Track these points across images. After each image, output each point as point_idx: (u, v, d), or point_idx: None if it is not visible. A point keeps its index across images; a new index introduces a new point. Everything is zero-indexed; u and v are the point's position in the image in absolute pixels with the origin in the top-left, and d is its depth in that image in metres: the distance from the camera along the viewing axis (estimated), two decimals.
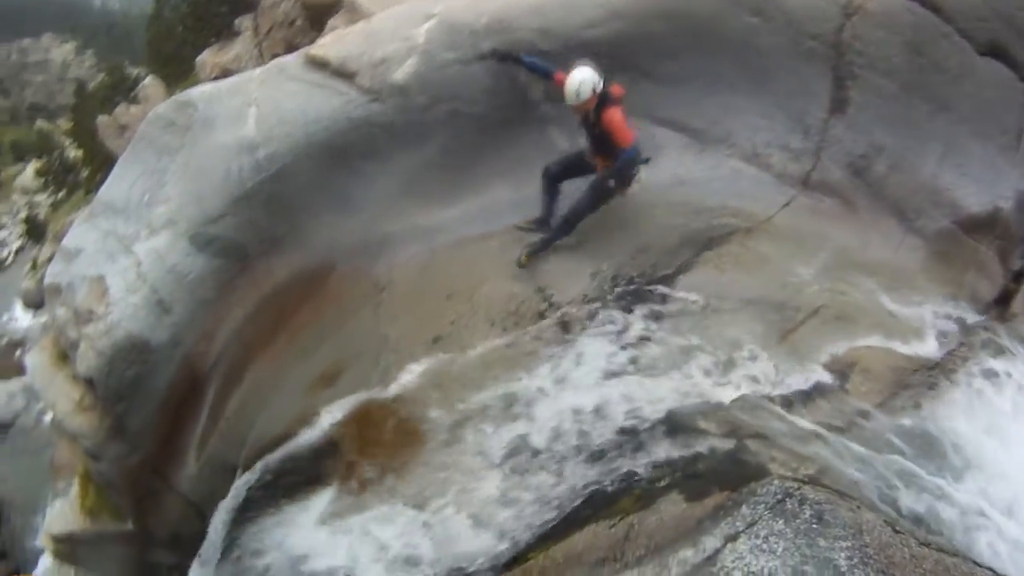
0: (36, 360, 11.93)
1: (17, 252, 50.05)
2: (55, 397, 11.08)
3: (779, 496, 6.73)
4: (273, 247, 10.24)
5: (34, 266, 41.59)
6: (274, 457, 10.51)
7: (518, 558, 9.01)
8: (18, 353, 25.45)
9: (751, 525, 6.52)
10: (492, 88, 9.60)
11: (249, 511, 10.98)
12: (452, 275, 9.97)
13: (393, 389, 10.00)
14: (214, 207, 9.97)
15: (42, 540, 14.96)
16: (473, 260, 10.06)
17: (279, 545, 11.04)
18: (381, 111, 9.60)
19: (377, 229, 10.28)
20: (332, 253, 10.26)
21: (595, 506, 8.82)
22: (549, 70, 9.18)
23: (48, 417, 20.65)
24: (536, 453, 9.33)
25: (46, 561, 15.40)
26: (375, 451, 10.25)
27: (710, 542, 6.49)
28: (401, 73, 9.46)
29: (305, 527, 10.80)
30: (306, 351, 10.39)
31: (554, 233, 9.89)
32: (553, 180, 9.89)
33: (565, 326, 9.28)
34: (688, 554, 6.48)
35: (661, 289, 9.11)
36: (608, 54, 9.30)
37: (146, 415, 10.50)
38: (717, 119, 9.62)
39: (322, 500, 10.63)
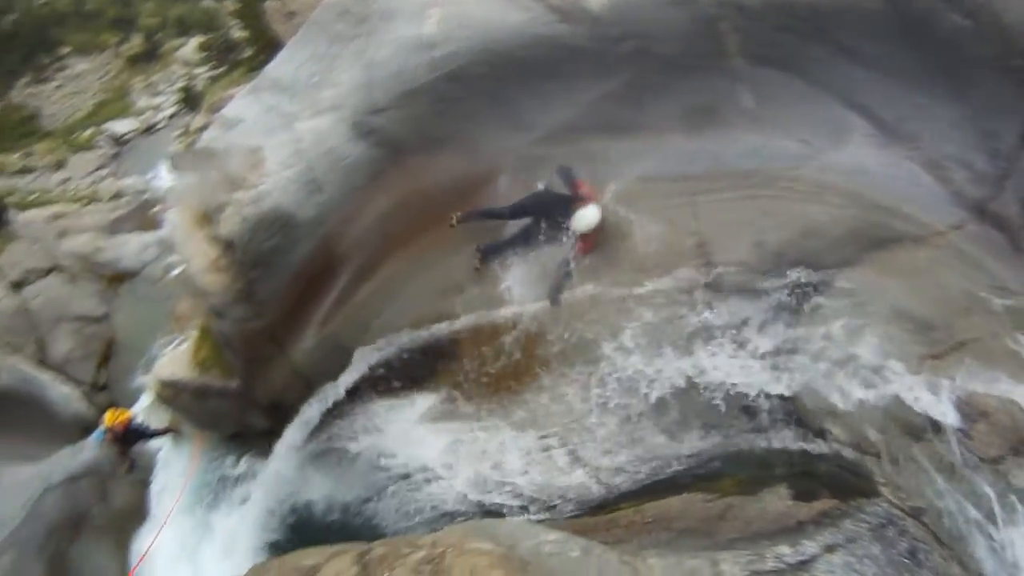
0: (178, 217, 12.17)
1: (170, 118, 51.29)
2: (191, 253, 11.34)
3: (883, 520, 6.74)
4: (432, 147, 10.17)
5: (184, 132, 42.60)
6: (392, 350, 10.75)
7: (607, 505, 9.22)
8: (156, 209, 26.20)
9: (851, 541, 6.56)
10: (687, 32, 9.07)
11: (353, 397, 11.37)
12: (611, 210, 9.79)
13: (524, 312, 10.05)
14: (381, 98, 9.93)
15: (148, 381, 15.52)
16: (635, 198, 9.87)
17: (373, 435, 11.39)
18: (570, 34, 9.28)
19: (546, 150, 10.10)
20: (493, 165, 10.18)
21: (698, 476, 8.87)
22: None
23: (176, 271, 21.39)
24: (653, 408, 9.28)
25: (145, 400, 16.19)
26: (491, 368, 10.35)
27: (809, 547, 6.53)
28: (597, 1, 9.07)
29: (403, 424, 11.18)
30: (447, 256, 10.52)
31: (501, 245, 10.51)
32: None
33: (715, 287, 9.11)
34: (785, 551, 6.50)
35: (819, 277, 8.78)
36: (807, 18, 8.79)
37: (276, 285, 10.76)
38: (907, 116, 9.00)
39: (426, 402, 11.01)
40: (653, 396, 9.17)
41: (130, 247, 23.43)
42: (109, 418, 15.19)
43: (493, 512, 9.96)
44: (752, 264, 8.99)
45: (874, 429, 7.74)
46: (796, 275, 8.77)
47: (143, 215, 25.62)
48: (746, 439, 8.80)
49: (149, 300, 21.95)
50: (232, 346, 11.81)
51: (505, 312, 10.22)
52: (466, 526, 4.62)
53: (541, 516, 9.43)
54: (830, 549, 6.42)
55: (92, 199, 27.41)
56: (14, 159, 43.16)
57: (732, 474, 8.67)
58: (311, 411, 11.71)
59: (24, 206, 24.46)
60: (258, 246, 10.26)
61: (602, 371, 9.56)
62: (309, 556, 5.09)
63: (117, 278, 22.77)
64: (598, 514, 9.12)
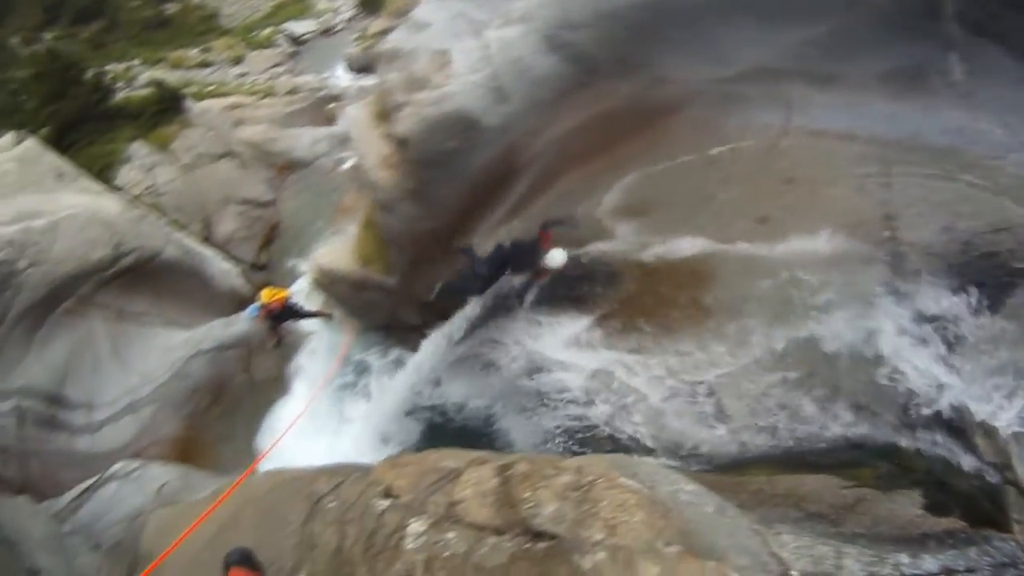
0: (357, 114, 12.61)
1: (348, 21, 52.23)
2: (367, 149, 11.64)
3: (1006, 560, 6.44)
4: (623, 70, 10.03)
5: (362, 36, 43.45)
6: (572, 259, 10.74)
7: (738, 466, 9.27)
8: (330, 106, 26.90)
9: (970, 572, 6.30)
10: None
11: (508, 306, 11.60)
12: (799, 161, 9.66)
13: (696, 249, 10.07)
14: (578, 15, 9.76)
15: (307, 266, 16.24)
16: (826, 155, 9.67)
17: (520, 349, 11.62)
18: None
19: (739, 88, 9.95)
20: (684, 96, 10.04)
21: (838, 460, 8.78)
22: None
23: (346, 165, 22.10)
24: (806, 376, 9.22)
25: (302, 283, 17.04)
26: (654, 301, 10.39)
27: (928, 563, 6.30)
28: None
29: (553, 343, 11.40)
30: (623, 179, 10.61)
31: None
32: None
33: (897, 265, 8.91)
34: (904, 561, 6.29)
35: (1005, 279, 8.50)
36: None
37: (450, 188, 10.93)
38: None
39: (580, 325, 11.16)
40: (811, 363, 9.11)
41: (303, 139, 24.16)
42: (266, 295, 15.93)
43: (623, 448, 10.07)
44: (938, 249, 8.75)
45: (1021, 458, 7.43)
46: (981, 266, 8.49)
47: (317, 111, 26.28)
48: (894, 431, 8.65)
49: (316, 191, 22.80)
50: (398, 243, 12.11)
51: (678, 248, 10.26)
52: (610, 458, 4.64)
53: (671, 463, 9.37)
54: (948, 572, 6.18)
55: (268, 94, 28.28)
56: (193, 54, 44.72)
57: (872, 465, 8.55)
58: (465, 314, 12.04)
59: (200, 97, 25.44)
60: (435, 146, 10.36)
61: (765, 328, 9.53)
62: (448, 458, 5.25)
63: (287, 167, 23.66)
64: (727, 473, 9.10)
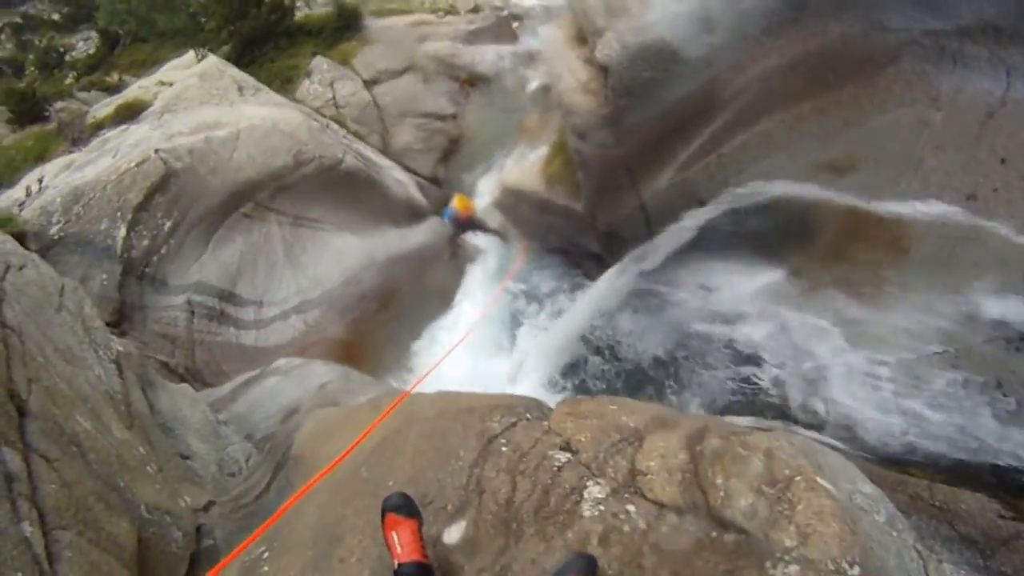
0: (551, 35, 12.24)
1: None
2: (562, 71, 11.30)
3: None
4: (836, 11, 9.23)
5: None
6: (747, 206, 10.33)
7: (900, 463, 8.61)
8: (515, 25, 26.62)
9: None
10: None
11: (694, 248, 11.16)
12: (1015, 139, 8.56)
13: (900, 215, 9.26)
14: None
15: (489, 184, 16.03)
16: None
17: (702, 294, 11.10)
18: None
19: (958, 45, 8.85)
20: (901, 47, 9.07)
21: (1004, 481, 8.09)
22: None
23: (532, 86, 21.89)
24: (1002, 383, 8.48)
25: (481, 201, 16.83)
26: (848, 265, 9.79)
27: None
28: None
29: (740, 290, 10.96)
30: (827, 130, 9.68)
31: None
32: None
33: None
34: None
35: None
36: None
37: (645, 118, 10.49)
38: None
39: (767, 277, 10.59)
40: (1005, 370, 8.40)
41: (487, 56, 23.83)
42: (459, 202, 16.09)
43: (790, 417, 9.84)
44: None
45: None
46: None
47: (500, 29, 26.08)
48: None
49: (499, 108, 22.51)
50: (587, 168, 11.79)
51: (882, 210, 9.43)
52: (799, 444, 4.03)
53: (834, 443, 8.84)
54: None
55: (450, 12, 28.07)
56: None
57: None
58: (653, 248, 11.72)
59: (381, 14, 25.46)
60: (635, 76, 9.93)
61: (961, 320, 8.74)
62: (627, 412, 4.76)
63: (470, 82, 23.35)
64: (890, 468, 8.44)
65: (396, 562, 3.72)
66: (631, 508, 3.85)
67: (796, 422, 9.71)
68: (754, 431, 4.32)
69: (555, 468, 4.23)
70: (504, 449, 4.51)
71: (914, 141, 9.15)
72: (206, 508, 6.73)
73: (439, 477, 4.52)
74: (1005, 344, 8.47)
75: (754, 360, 10.79)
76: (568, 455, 4.34)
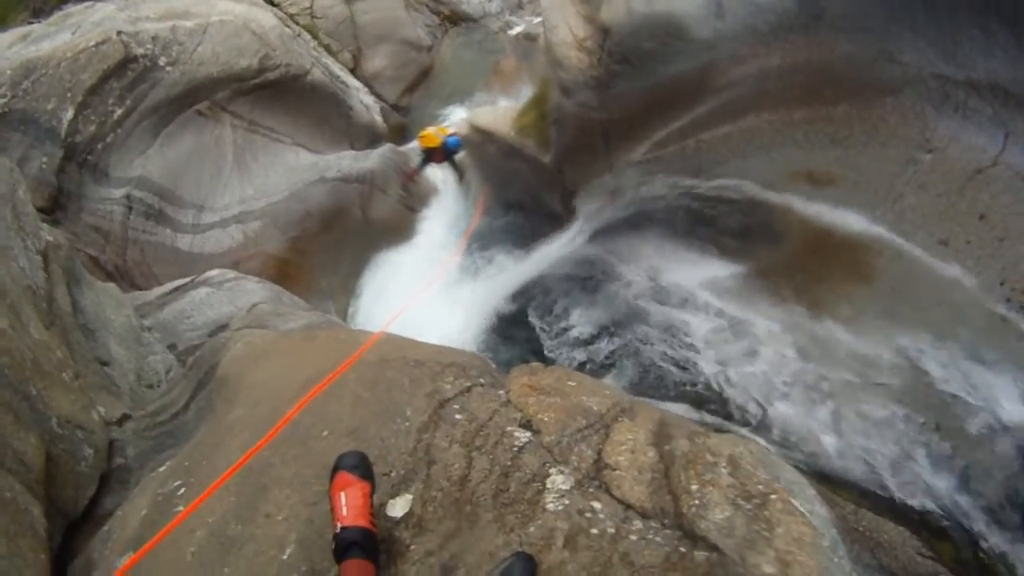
0: None
1: None
2: (557, 23, 10.88)
3: None
4: (851, 30, 8.93)
5: None
6: (716, 200, 10.29)
7: (829, 481, 8.64)
8: None
9: None
10: None
11: (651, 224, 11.31)
12: (998, 200, 8.47)
13: (870, 235, 9.19)
14: None
15: (463, 121, 15.65)
16: None
17: (652, 273, 11.27)
18: None
19: (962, 95, 8.54)
20: (906, 82, 8.83)
21: (926, 521, 8.23)
22: None
23: (514, 31, 21.51)
24: (940, 427, 8.56)
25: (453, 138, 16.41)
26: (809, 275, 9.81)
27: None
28: None
29: (690, 276, 11.01)
30: (812, 140, 9.54)
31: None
32: None
33: None
34: None
35: None
36: None
37: (634, 88, 10.22)
38: None
39: (721, 270, 10.62)
40: (944, 414, 8.43)
41: None
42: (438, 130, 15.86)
43: (727, 414, 9.80)
44: None
45: None
46: None
47: None
48: (989, 524, 7.97)
49: (476, 48, 22.20)
50: (563, 125, 11.48)
51: (851, 226, 9.35)
52: (758, 452, 3.98)
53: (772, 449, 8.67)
54: None
55: None
56: None
57: (956, 545, 7.89)
58: (608, 213, 11.58)
59: None
60: (636, 43, 9.66)
61: (909, 353, 8.77)
62: (588, 392, 4.58)
63: (452, 18, 22.93)
64: (818, 484, 8.48)
65: (339, 524, 3.37)
66: (596, 505, 3.63)
67: (731, 420, 9.70)
68: (711, 433, 4.18)
69: (515, 448, 3.98)
70: (458, 417, 4.23)
71: (898, 175, 9.10)
72: (120, 422, 6.35)
73: (383, 436, 4.22)
74: (948, 393, 8.53)
75: (696, 350, 10.68)
76: (529, 435, 4.10)
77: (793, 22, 8.95)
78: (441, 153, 16.45)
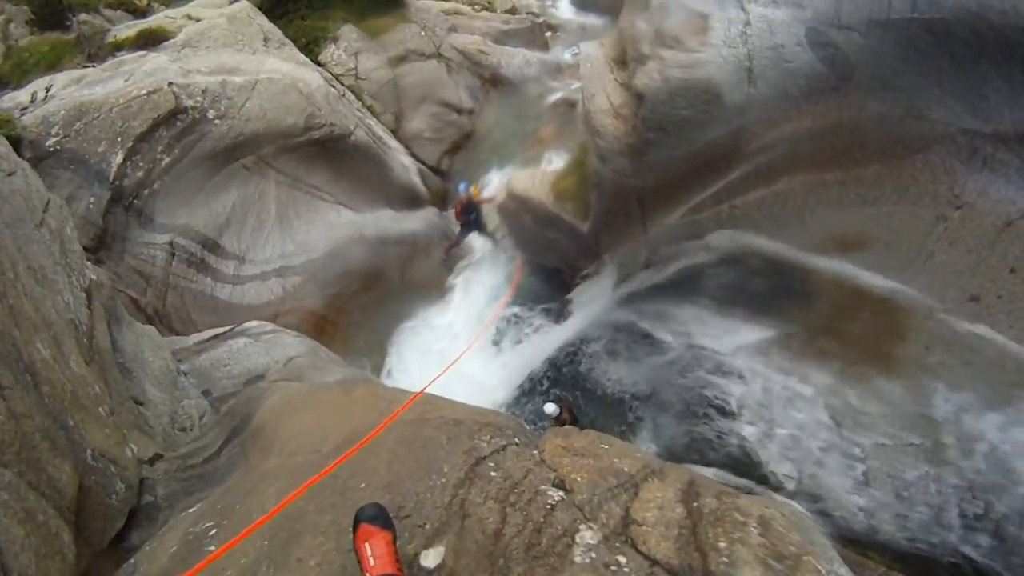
0: (592, 52, 12.01)
1: None
2: (596, 91, 11.15)
3: None
4: (880, 90, 9.09)
5: None
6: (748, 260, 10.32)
7: (861, 543, 8.69)
8: (548, 35, 26.65)
9: None
10: None
11: (689, 289, 11.19)
12: None
13: (903, 298, 9.22)
14: (849, 16, 8.87)
15: (498, 187, 15.84)
16: None
17: (688, 336, 11.32)
18: None
19: (990, 148, 8.70)
20: (934, 139, 8.95)
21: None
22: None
23: (554, 97, 21.79)
24: (973, 487, 8.48)
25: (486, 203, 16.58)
26: (843, 338, 9.75)
27: None
28: None
29: (727, 341, 10.92)
30: (844, 202, 9.62)
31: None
32: None
33: None
34: None
35: None
36: None
37: (668, 155, 10.36)
38: None
39: (756, 334, 10.53)
40: (975, 474, 8.42)
41: (515, 59, 23.75)
42: (475, 190, 15.95)
43: (760, 477, 9.82)
44: None
45: None
46: None
47: (532, 35, 26.25)
48: None
49: (516, 113, 22.40)
50: (602, 190, 11.61)
51: (885, 288, 9.37)
52: (791, 514, 3.98)
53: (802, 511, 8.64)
54: None
55: (487, 7, 28.02)
56: None
57: None
58: (643, 278, 11.69)
59: None
60: (672, 110, 9.79)
61: (943, 415, 8.77)
62: (620, 455, 4.57)
63: (492, 82, 23.19)
64: (850, 547, 8.45)
65: (367, 574, 3.48)
66: (622, 559, 3.63)
67: (764, 483, 9.70)
68: (742, 495, 4.16)
69: (548, 506, 4.00)
70: (493, 475, 4.26)
71: (928, 232, 9.11)
72: (152, 461, 6.43)
73: (418, 491, 4.26)
74: (981, 453, 8.45)
75: (728, 414, 10.65)
76: (562, 493, 4.12)
77: (824, 84, 9.13)
78: (474, 222, 16.62)
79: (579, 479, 4.20)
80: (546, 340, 13.25)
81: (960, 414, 8.59)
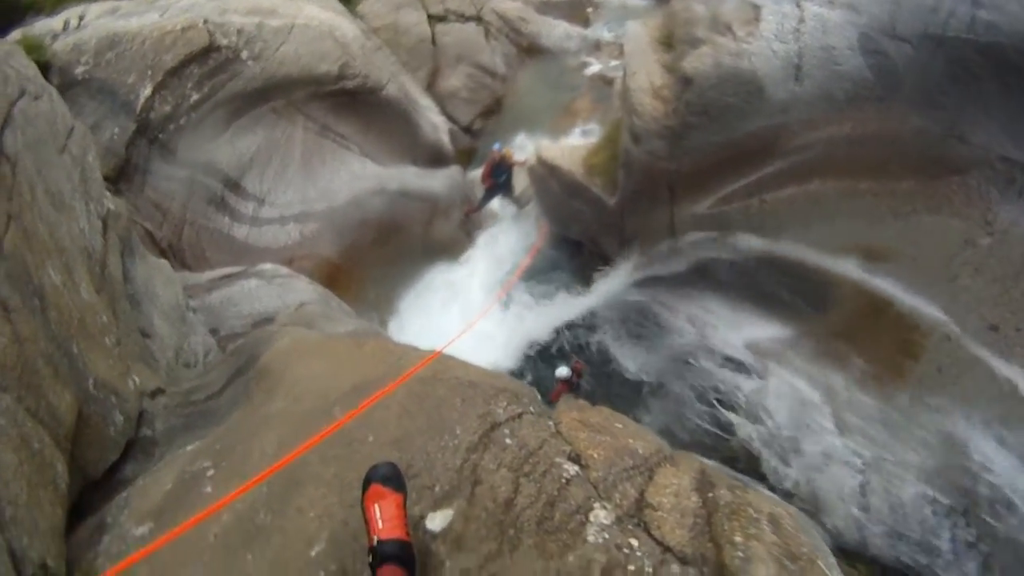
0: (637, 31, 11.93)
1: None
2: (638, 69, 11.04)
3: None
4: (925, 106, 8.96)
5: None
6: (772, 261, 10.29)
7: (849, 555, 8.70)
8: (589, 10, 26.38)
9: None
10: None
11: (707, 278, 11.24)
12: None
13: (923, 311, 9.18)
14: (903, 27, 8.73)
15: (528, 153, 15.65)
16: None
17: (697, 326, 11.35)
18: None
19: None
20: (973, 163, 8.88)
21: None
22: None
23: (590, 71, 21.61)
24: (967, 512, 8.56)
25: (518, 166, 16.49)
26: (856, 345, 9.83)
27: None
28: None
29: (735, 335, 11.07)
30: (875, 213, 9.57)
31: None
32: None
33: None
34: None
35: None
36: None
37: (707, 141, 10.29)
38: None
39: (766, 331, 10.69)
40: (972, 500, 8.49)
41: (555, 31, 23.49)
42: (508, 152, 15.86)
43: (760, 476, 9.80)
44: None
45: None
46: None
47: (574, 9, 26.01)
48: None
49: (551, 83, 22.21)
50: (631, 170, 11.47)
51: (905, 299, 9.38)
52: (796, 515, 3.99)
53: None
54: None
55: None
56: None
57: None
58: (664, 262, 11.70)
59: None
60: (716, 97, 9.77)
61: (949, 436, 8.79)
62: (634, 435, 4.50)
63: (531, 50, 22.92)
64: (836, 557, 8.40)
65: (375, 537, 3.33)
66: (634, 543, 3.54)
67: (762, 480, 9.69)
68: (750, 490, 4.07)
69: (564, 480, 3.90)
70: (508, 442, 4.16)
71: (955, 255, 9.07)
72: (153, 394, 6.34)
73: (429, 450, 4.16)
74: (983, 480, 8.47)
75: (732, 408, 10.69)
76: (577, 468, 4.02)
77: (869, 92, 9.05)
78: (503, 184, 16.48)
79: (595, 455, 4.11)
80: (560, 311, 13.25)
81: (965, 441, 8.59)
